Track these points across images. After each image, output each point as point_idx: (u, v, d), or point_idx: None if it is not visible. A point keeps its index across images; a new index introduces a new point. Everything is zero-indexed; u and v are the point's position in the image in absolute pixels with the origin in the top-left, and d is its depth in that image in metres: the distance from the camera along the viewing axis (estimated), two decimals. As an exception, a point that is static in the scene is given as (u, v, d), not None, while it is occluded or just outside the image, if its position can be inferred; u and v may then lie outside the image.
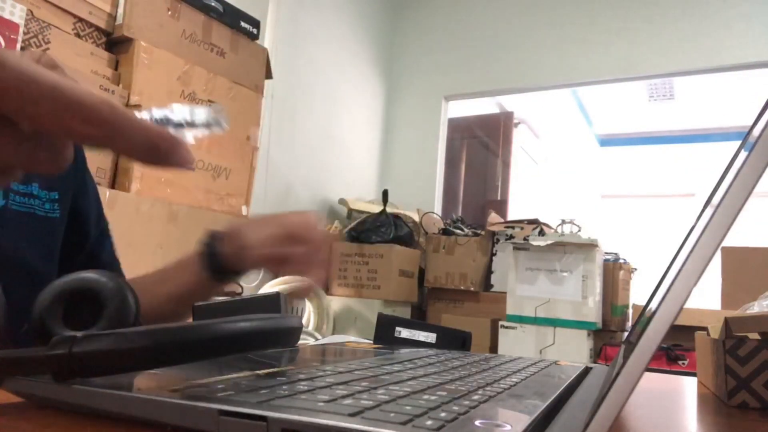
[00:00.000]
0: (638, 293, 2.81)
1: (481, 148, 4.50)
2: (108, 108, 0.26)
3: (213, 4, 2.05)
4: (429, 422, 0.23)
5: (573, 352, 2.45)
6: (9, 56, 0.24)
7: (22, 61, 0.24)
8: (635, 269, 2.85)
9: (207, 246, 0.64)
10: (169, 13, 1.91)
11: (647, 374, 0.34)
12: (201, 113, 0.31)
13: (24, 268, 0.59)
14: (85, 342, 0.28)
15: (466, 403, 0.28)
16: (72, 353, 0.28)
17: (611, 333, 2.62)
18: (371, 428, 0.22)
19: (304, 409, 0.24)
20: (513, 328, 2.60)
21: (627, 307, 2.71)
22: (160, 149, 0.27)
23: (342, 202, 3.17)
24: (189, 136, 0.31)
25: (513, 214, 4.06)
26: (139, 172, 1.72)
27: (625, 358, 0.20)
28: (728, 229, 0.20)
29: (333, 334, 2.67)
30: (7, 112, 0.25)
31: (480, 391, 0.32)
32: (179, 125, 0.32)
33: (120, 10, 1.80)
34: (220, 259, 0.63)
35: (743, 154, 0.22)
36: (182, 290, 0.66)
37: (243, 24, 2.18)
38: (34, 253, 0.61)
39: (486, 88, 3.68)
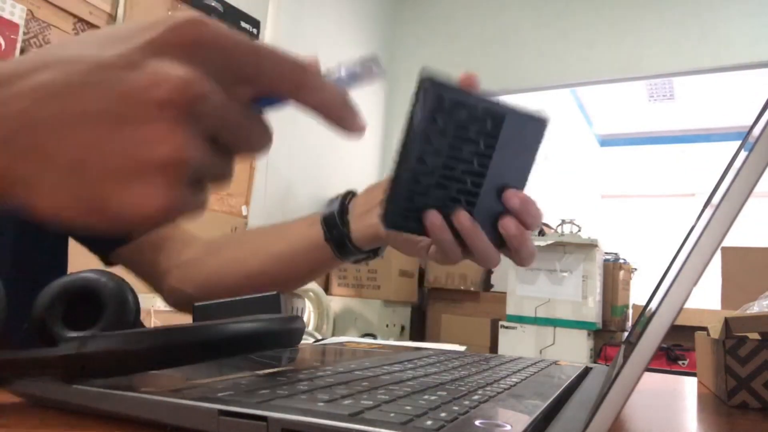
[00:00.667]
0: (638, 293, 2.81)
1: (481, 148, 4.50)
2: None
3: (213, 4, 2.05)
4: (429, 422, 0.23)
5: (573, 352, 2.45)
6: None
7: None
8: (635, 269, 2.85)
9: (335, 228, 0.56)
10: (170, 13, 1.92)
11: (647, 374, 0.34)
12: (351, 67, 0.32)
13: (25, 263, 0.59)
14: (93, 343, 0.28)
15: (466, 403, 0.28)
16: (80, 354, 0.28)
17: (611, 333, 2.62)
18: (371, 428, 0.22)
19: (304, 410, 0.24)
20: (513, 328, 2.60)
21: (627, 307, 2.71)
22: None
23: (342, 202, 3.16)
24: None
25: (513, 214, 4.05)
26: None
27: (625, 358, 0.20)
28: (728, 229, 0.20)
29: (333, 334, 2.67)
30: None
31: (480, 391, 0.32)
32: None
33: (120, 11, 1.81)
34: (352, 246, 0.56)
35: (743, 154, 0.22)
36: (298, 258, 0.60)
37: (243, 24, 2.19)
38: (34, 247, 0.61)
39: (485, 88, 3.67)
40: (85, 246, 0.65)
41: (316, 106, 0.29)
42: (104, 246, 0.65)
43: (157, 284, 0.66)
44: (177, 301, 0.65)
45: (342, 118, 0.29)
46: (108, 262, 0.66)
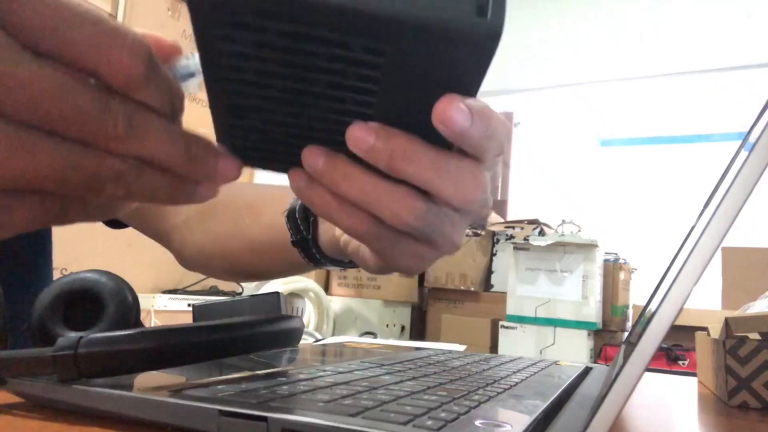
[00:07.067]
0: (638, 293, 2.81)
1: (481, 148, 4.50)
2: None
3: (213, 4, 2.05)
4: (429, 422, 0.23)
5: (573, 352, 2.45)
6: None
7: None
8: (635, 269, 2.85)
9: (297, 231, 0.46)
10: (169, 13, 1.92)
11: (647, 374, 0.34)
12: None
13: (16, 260, 0.59)
14: (90, 343, 0.28)
15: (467, 403, 0.28)
16: (78, 354, 0.28)
17: (611, 333, 2.62)
18: (371, 428, 0.22)
19: (304, 410, 0.24)
20: (513, 328, 2.59)
21: (627, 307, 2.71)
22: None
23: (342, 202, 3.16)
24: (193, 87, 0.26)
25: (513, 214, 4.06)
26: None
27: (626, 358, 0.20)
28: (728, 229, 0.20)
29: (333, 334, 2.67)
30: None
31: (480, 391, 0.32)
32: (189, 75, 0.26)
33: (120, 11, 1.81)
34: (319, 254, 0.47)
35: (743, 154, 0.22)
36: (272, 252, 0.51)
37: None
38: (25, 243, 0.61)
39: (486, 88, 3.67)
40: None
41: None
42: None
43: (166, 244, 0.63)
44: (184, 263, 0.62)
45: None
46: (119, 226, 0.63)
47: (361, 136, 0.25)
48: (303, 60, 0.22)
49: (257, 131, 0.26)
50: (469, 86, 0.24)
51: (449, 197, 0.26)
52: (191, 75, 0.26)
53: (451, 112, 0.24)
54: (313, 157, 0.26)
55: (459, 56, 0.22)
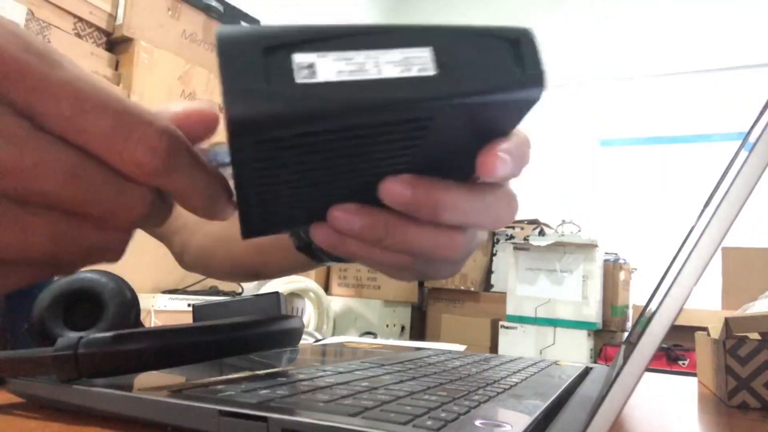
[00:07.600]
0: (638, 293, 2.81)
1: (481, 148, 4.49)
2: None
3: (213, 4, 2.05)
4: (429, 422, 0.23)
5: (573, 352, 2.45)
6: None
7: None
8: (635, 269, 2.85)
9: (297, 237, 0.46)
10: (169, 13, 1.92)
11: (647, 374, 0.34)
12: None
13: None
14: (91, 343, 0.28)
15: (467, 403, 0.28)
16: (78, 354, 0.28)
17: (611, 333, 2.62)
18: (371, 428, 0.22)
19: (304, 409, 0.24)
20: (513, 328, 2.59)
21: (627, 307, 2.71)
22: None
23: (342, 202, 3.15)
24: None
25: (513, 214, 4.05)
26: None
27: (625, 358, 0.20)
28: (728, 229, 0.20)
29: (333, 334, 2.68)
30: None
31: (480, 391, 0.32)
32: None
33: (120, 10, 1.81)
34: (324, 254, 0.45)
35: (743, 154, 0.22)
36: (276, 254, 0.50)
37: (243, 24, 2.19)
38: None
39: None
40: None
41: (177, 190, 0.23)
42: None
43: (168, 246, 0.63)
44: (185, 266, 0.62)
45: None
46: None
47: (397, 192, 0.24)
48: (344, 155, 0.22)
49: (283, 211, 0.26)
50: (510, 126, 0.24)
51: (489, 227, 0.27)
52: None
53: (497, 168, 0.24)
54: (348, 218, 0.25)
55: (506, 108, 0.22)
